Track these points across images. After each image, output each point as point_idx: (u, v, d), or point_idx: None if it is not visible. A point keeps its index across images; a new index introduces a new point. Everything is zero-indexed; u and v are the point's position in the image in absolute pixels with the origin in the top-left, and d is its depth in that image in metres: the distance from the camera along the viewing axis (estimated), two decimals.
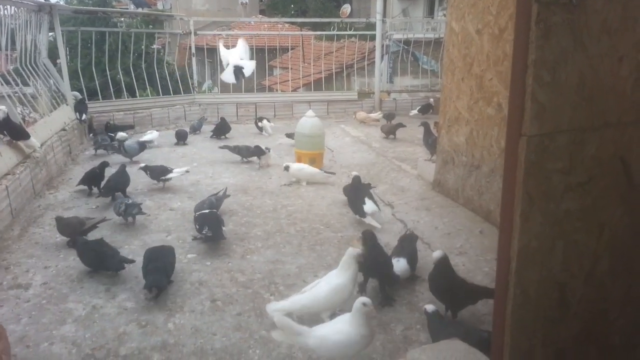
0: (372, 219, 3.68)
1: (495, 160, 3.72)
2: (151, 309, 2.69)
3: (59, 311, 2.67)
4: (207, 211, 3.61)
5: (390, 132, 6.74)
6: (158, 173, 4.60)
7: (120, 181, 4.26)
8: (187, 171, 4.76)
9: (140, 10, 8.91)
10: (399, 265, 2.90)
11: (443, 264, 2.63)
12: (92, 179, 4.45)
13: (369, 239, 2.82)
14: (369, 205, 3.71)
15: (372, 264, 2.74)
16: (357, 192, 3.85)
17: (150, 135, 6.29)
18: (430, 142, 5.12)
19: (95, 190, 4.46)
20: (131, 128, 6.83)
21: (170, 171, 4.63)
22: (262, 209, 4.18)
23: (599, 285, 1.88)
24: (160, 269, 2.84)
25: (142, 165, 4.67)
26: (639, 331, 2.05)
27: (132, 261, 3.04)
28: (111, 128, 6.52)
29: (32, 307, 2.72)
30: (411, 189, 4.69)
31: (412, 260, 2.99)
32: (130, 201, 3.79)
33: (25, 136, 4.41)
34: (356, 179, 3.96)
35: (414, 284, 2.97)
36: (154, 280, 2.76)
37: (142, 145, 5.55)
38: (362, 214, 3.71)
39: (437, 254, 2.66)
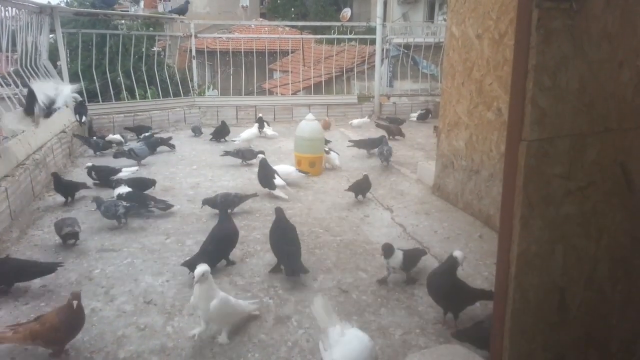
0: (281, 192, 4.34)
1: (494, 164, 3.72)
2: (150, 312, 2.69)
3: None
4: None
5: (397, 133, 6.79)
6: (105, 174, 4.61)
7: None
8: (137, 169, 4.90)
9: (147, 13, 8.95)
10: (396, 256, 2.92)
11: (453, 265, 2.63)
12: (68, 188, 4.37)
13: (279, 212, 3.24)
14: (278, 180, 4.37)
15: (278, 238, 3.12)
16: (265, 170, 4.44)
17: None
18: (385, 152, 5.40)
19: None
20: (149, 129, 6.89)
21: (119, 171, 4.66)
22: (262, 212, 4.18)
23: (598, 290, 1.88)
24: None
25: (89, 164, 4.63)
26: (639, 337, 2.05)
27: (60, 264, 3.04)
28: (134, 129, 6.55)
29: (31, 309, 2.71)
30: (410, 193, 4.69)
31: (408, 258, 2.98)
32: (122, 204, 3.80)
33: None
34: (263, 160, 4.54)
35: (412, 288, 2.97)
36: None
37: (153, 148, 5.55)
38: (273, 186, 4.34)
39: (458, 253, 2.61)
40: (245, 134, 6.21)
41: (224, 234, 3.23)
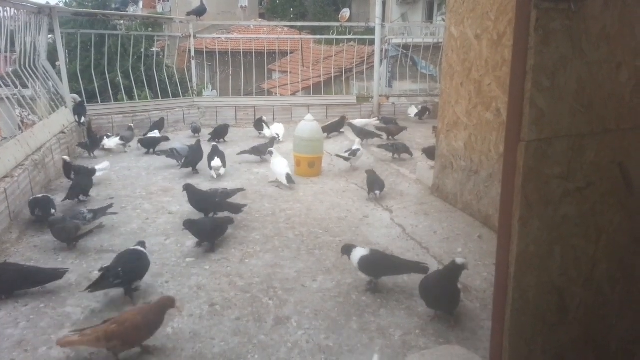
0: (213, 172, 5.06)
1: (493, 165, 3.72)
2: None
3: (57, 315, 2.66)
4: (40, 196, 3.93)
5: (396, 133, 6.79)
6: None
7: (197, 156, 5.30)
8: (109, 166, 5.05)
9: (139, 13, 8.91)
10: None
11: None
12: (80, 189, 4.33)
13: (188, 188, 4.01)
14: (216, 161, 5.11)
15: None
16: (210, 153, 5.24)
17: (103, 164, 5.05)
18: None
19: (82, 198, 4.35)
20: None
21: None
22: (261, 213, 4.18)
23: (597, 291, 1.89)
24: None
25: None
26: (638, 337, 2.05)
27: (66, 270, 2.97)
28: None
29: (31, 310, 2.71)
30: (410, 194, 4.69)
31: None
32: (86, 211, 3.71)
33: None
34: (215, 147, 5.30)
35: (412, 289, 2.96)
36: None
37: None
38: (210, 166, 5.15)
39: (461, 260, 2.60)
40: (274, 128, 6.88)
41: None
